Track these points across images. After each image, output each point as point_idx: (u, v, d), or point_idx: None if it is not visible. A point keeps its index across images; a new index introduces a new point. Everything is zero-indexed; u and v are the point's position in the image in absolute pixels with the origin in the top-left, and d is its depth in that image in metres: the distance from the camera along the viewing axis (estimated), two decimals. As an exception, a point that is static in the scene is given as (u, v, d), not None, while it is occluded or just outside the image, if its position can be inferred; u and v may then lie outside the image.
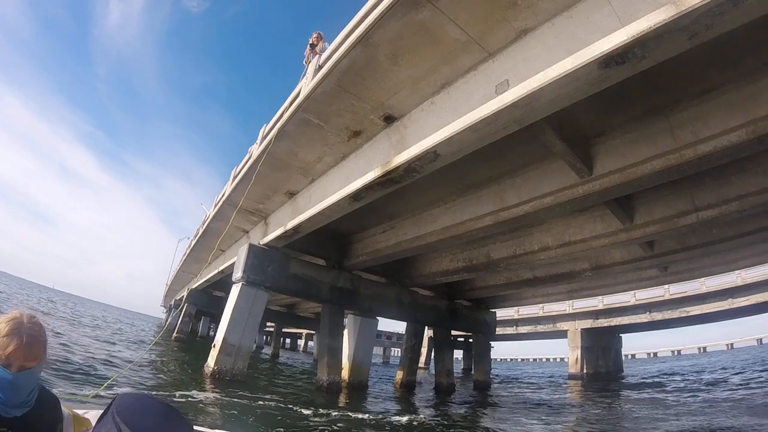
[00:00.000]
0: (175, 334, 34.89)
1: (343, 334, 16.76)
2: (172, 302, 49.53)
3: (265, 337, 54.30)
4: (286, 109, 10.23)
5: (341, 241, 15.81)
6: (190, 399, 10.05)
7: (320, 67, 8.68)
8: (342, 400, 14.18)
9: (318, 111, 9.01)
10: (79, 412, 2.40)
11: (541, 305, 38.87)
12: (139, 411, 1.95)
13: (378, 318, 17.99)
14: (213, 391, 11.50)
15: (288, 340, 71.06)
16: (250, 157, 12.52)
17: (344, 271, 15.91)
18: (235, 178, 14.00)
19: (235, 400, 10.80)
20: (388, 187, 9.15)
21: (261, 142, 11.70)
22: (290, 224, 12.49)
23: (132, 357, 15.48)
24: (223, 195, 15.19)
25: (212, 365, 13.47)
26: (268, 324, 48.86)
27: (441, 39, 6.22)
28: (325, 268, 15.68)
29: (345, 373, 16.49)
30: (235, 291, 14.15)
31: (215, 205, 16.78)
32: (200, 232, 21.14)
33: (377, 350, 60.77)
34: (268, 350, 46.01)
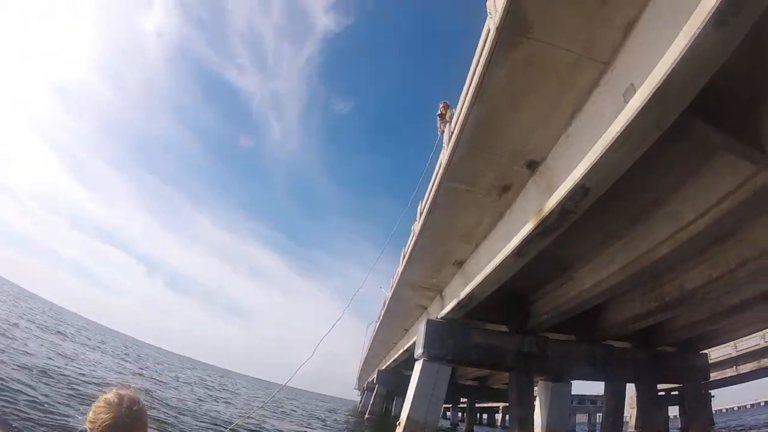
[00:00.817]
0: (366, 415, 36.19)
1: (533, 404, 15.43)
2: (365, 384, 51.42)
3: (459, 414, 52.54)
4: (433, 182, 10.59)
5: (520, 303, 15.03)
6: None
7: (452, 133, 8.96)
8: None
9: (461, 177, 9.19)
10: None
11: (762, 333, 30.92)
12: None
13: (572, 381, 16.23)
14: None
15: (485, 416, 67.18)
16: (413, 236, 13.02)
17: (528, 335, 14.94)
18: (404, 258, 14.56)
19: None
20: (548, 235, 8.66)
21: (419, 219, 12.15)
22: (463, 293, 12.43)
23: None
24: (396, 276, 15.83)
25: None
26: (462, 400, 47.62)
27: (551, 68, 5.98)
28: (507, 334, 14.94)
29: (539, 445, 14.94)
30: (417, 368, 14.25)
31: (391, 287, 17.55)
32: (382, 315, 22.11)
33: (581, 417, 54.17)
34: (463, 427, 44.56)
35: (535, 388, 16.03)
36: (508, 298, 14.56)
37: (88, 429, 1.78)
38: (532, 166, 8.36)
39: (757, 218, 10.06)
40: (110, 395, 1.85)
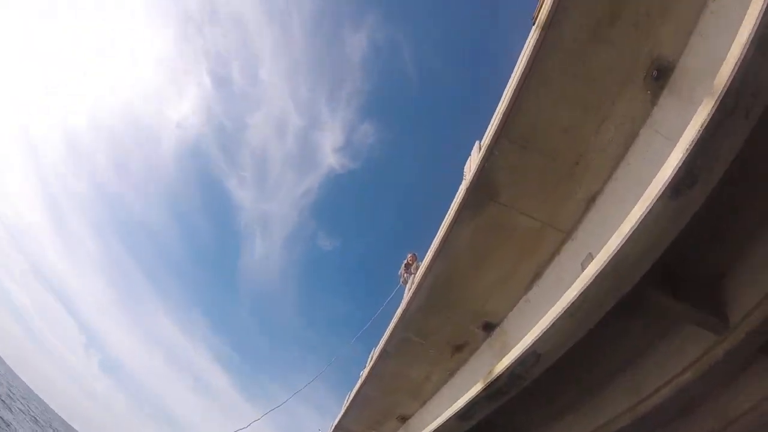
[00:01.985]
0: None
1: None
2: None
3: None
4: (388, 330, 10.37)
5: None
6: None
7: (413, 285, 8.97)
8: None
9: (416, 329, 9.01)
10: None
11: None
12: None
13: None
14: None
15: None
16: (359, 381, 12.44)
17: None
18: (347, 402, 13.72)
19: None
20: (496, 399, 8.23)
21: (368, 365, 11.68)
22: (403, 453, 11.60)
23: None
24: (336, 420, 14.77)
25: None
26: None
27: (515, 232, 6.21)
28: None
29: None
30: None
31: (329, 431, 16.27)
32: None
33: None
34: None
35: None
36: None
37: None
38: (488, 328, 8.29)
39: (724, 387, 9.91)
40: None
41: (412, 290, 8.25)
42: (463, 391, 8.92)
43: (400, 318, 8.90)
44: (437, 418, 9.79)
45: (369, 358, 11.89)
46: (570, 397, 10.17)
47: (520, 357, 6.98)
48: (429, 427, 10.12)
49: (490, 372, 7.95)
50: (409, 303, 8.41)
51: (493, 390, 7.94)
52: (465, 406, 8.66)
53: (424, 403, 11.11)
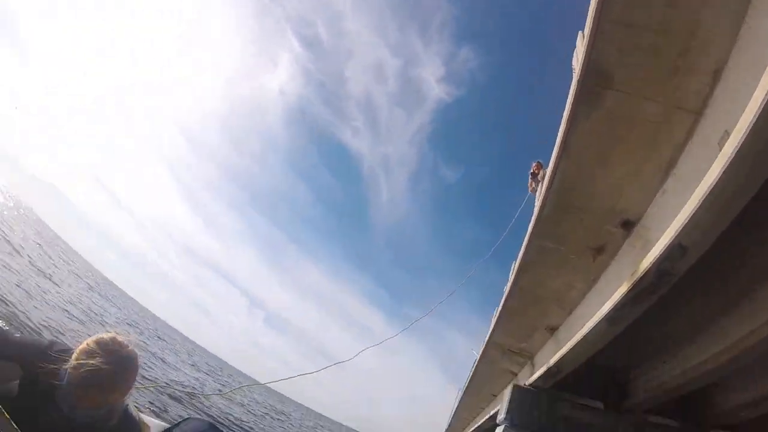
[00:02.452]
0: None
1: None
2: None
3: None
4: (524, 240, 10.55)
5: (617, 378, 13.80)
6: None
7: (541, 191, 9.00)
8: None
9: (552, 235, 9.13)
10: (145, 418, 2.43)
11: None
12: None
13: None
14: None
15: None
16: (503, 297, 12.89)
17: (624, 414, 13.66)
18: (494, 319, 14.30)
19: None
20: (643, 300, 8.15)
21: (510, 279, 12.05)
22: (552, 360, 11.87)
23: None
24: (486, 337, 15.49)
25: None
26: None
27: (637, 121, 5.92)
28: (602, 412, 13.68)
29: None
30: None
31: (481, 349, 17.08)
32: (470, 377, 21.38)
33: None
34: None
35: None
36: (604, 372, 13.53)
37: (69, 375, 1.59)
38: (627, 225, 8.11)
39: None
40: (106, 338, 1.66)
41: (541, 196, 8.35)
42: (607, 296, 8.96)
43: (534, 226, 9.08)
44: (584, 325, 9.96)
45: (510, 271, 12.23)
46: (725, 296, 9.60)
47: (664, 252, 6.83)
48: (578, 334, 10.34)
49: (635, 272, 7.89)
50: (541, 209, 8.52)
51: (639, 290, 7.89)
52: (611, 310, 8.71)
53: (571, 311, 11.25)
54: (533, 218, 9.14)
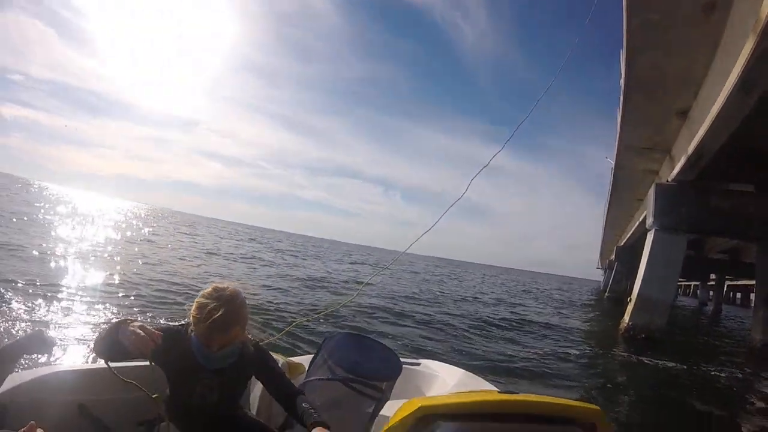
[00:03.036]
0: (606, 294, 35.00)
1: None
2: (606, 263, 49.01)
3: (708, 292, 45.09)
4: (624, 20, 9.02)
5: (766, 156, 11.91)
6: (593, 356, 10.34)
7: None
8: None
9: (653, 4, 7.67)
10: (294, 359, 2.78)
11: None
12: (348, 348, 2.32)
13: None
14: (617, 349, 11.42)
15: (738, 295, 58.40)
16: (621, 92, 11.49)
17: None
18: (619, 117, 12.89)
19: (641, 359, 10.20)
20: None
21: (622, 68, 10.59)
22: (690, 148, 10.62)
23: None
24: (616, 141, 14.16)
25: (627, 321, 12.74)
26: (711, 276, 40.90)
27: None
28: (754, 196, 12.13)
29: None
30: (648, 240, 12.85)
31: (614, 154, 15.71)
32: (611, 187, 20.04)
33: None
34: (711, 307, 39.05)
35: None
36: (751, 153, 11.65)
37: (193, 331, 1.87)
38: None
39: None
40: (209, 289, 1.93)
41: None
42: (734, 57, 7.50)
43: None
44: (716, 99, 8.58)
45: (621, 61, 10.64)
46: None
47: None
48: (711, 111, 9.10)
49: (758, 19, 6.38)
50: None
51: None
52: (742, 73, 7.35)
53: (698, 88, 9.78)
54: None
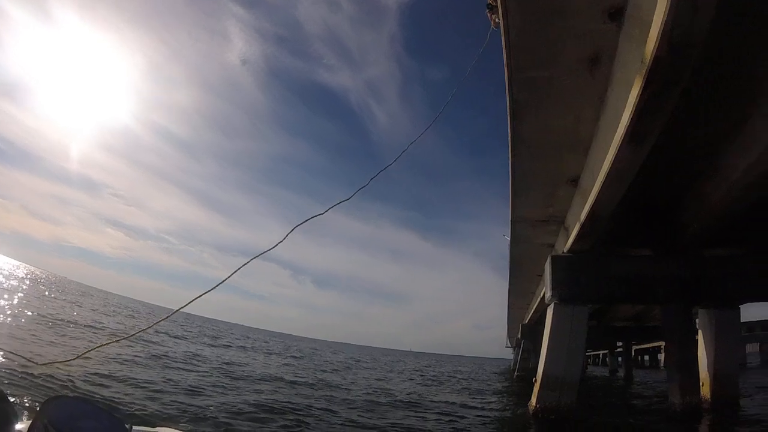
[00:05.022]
0: (516, 373, 35.52)
1: (695, 339, 12.64)
2: (515, 341, 50.45)
3: (617, 358, 48.03)
4: (506, 80, 9.04)
5: (662, 216, 12.14)
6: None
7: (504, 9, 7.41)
8: (703, 430, 10.96)
9: (534, 59, 7.68)
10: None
11: None
12: (72, 416, 2.04)
13: (740, 307, 13.01)
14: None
15: (646, 357, 62.85)
16: (510, 159, 11.52)
17: (678, 256, 12.15)
18: (511, 189, 12.96)
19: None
20: (663, 95, 6.62)
21: (509, 135, 10.59)
22: (583, 215, 10.64)
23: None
24: (509, 214, 14.22)
25: (534, 403, 12.06)
26: (618, 343, 43.68)
27: None
28: (653, 259, 12.41)
29: (705, 390, 12.11)
30: (549, 314, 12.53)
31: (509, 230, 15.85)
32: (510, 263, 20.28)
33: (751, 348, 43.57)
34: (622, 373, 40.86)
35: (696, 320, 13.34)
36: (645, 214, 12.06)
37: None
38: (616, 15, 6.62)
39: None
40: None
41: (504, 22, 6.93)
42: (621, 107, 7.52)
43: (508, 54, 7.62)
44: (606, 157, 8.61)
45: (508, 126, 10.73)
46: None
47: (668, 19, 5.35)
48: (602, 171, 9.06)
49: (643, 60, 6.39)
50: (507, 32, 7.12)
51: (657, 81, 6.38)
52: (631, 122, 7.26)
53: (587, 152, 9.93)
54: (505, 49, 7.64)
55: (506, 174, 11.68)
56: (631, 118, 7.12)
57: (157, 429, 3.22)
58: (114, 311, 42.41)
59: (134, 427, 2.49)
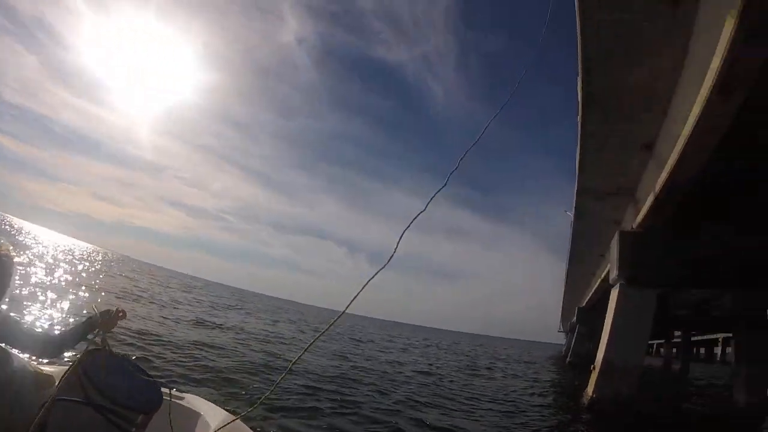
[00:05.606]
0: (569, 359, 32.99)
1: None
2: (568, 325, 47.60)
3: (672, 350, 43.81)
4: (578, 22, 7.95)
5: (750, 188, 10.64)
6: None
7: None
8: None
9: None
10: (45, 369, 2.47)
11: None
12: (107, 370, 2.13)
13: None
14: (581, 427, 9.94)
15: (701, 350, 56.66)
16: (579, 123, 10.42)
17: (764, 236, 10.56)
18: (577, 160, 11.76)
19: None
20: (760, 35, 5.56)
21: (579, 91, 9.48)
22: (658, 185, 9.49)
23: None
24: (575, 186, 13.01)
25: (590, 392, 11.09)
26: (676, 333, 39.86)
27: None
28: (732, 239, 10.89)
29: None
30: (613, 295, 11.42)
31: (573, 204, 14.57)
32: (571, 242, 18.85)
33: None
34: (677, 366, 37.58)
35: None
36: (728, 186, 10.56)
37: None
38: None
39: None
40: None
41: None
42: (709, 50, 6.36)
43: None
44: (690, 111, 7.43)
45: (577, 86, 9.58)
46: None
47: None
48: (682, 136, 7.88)
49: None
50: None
51: (754, 21, 5.29)
52: (721, 68, 6.11)
53: (665, 111, 8.73)
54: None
55: (570, 150, 10.63)
56: (722, 65, 6.01)
57: (185, 395, 3.40)
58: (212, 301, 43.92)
59: (171, 391, 2.61)
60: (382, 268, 2.98)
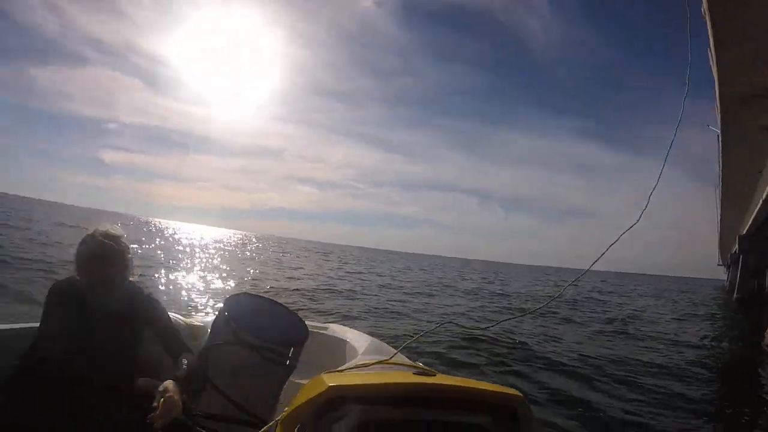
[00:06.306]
0: (735, 295, 28.90)
1: None
2: (728, 257, 41.15)
3: None
4: None
5: None
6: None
7: None
8: None
9: None
10: (196, 322, 2.89)
11: None
12: (252, 311, 2.40)
13: None
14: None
15: None
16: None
17: None
18: (711, 51, 9.65)
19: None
20: None
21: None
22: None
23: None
24: (716, 89, 10.72)
25: None
26: None
27: None
28: None
29: None
30: None
31: (717, 112, 12.04)
32: (720, 160, 15.77)
33: None
34: None
35: None
36: None
37: (77, 264, 2.00)
38: None
39: None
40: (89, 232, 2.05)
41: None
42: None
43: None
44: None
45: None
46: None
47: None
48: None
49: None
50: None
51: None
52: None
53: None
54: None
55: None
56: None
57: (327, 326, 3.64)
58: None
59: (310, 323, 2.79)
60: (631, 227, 2.68)
